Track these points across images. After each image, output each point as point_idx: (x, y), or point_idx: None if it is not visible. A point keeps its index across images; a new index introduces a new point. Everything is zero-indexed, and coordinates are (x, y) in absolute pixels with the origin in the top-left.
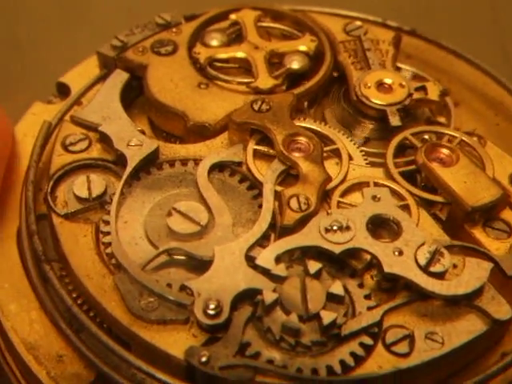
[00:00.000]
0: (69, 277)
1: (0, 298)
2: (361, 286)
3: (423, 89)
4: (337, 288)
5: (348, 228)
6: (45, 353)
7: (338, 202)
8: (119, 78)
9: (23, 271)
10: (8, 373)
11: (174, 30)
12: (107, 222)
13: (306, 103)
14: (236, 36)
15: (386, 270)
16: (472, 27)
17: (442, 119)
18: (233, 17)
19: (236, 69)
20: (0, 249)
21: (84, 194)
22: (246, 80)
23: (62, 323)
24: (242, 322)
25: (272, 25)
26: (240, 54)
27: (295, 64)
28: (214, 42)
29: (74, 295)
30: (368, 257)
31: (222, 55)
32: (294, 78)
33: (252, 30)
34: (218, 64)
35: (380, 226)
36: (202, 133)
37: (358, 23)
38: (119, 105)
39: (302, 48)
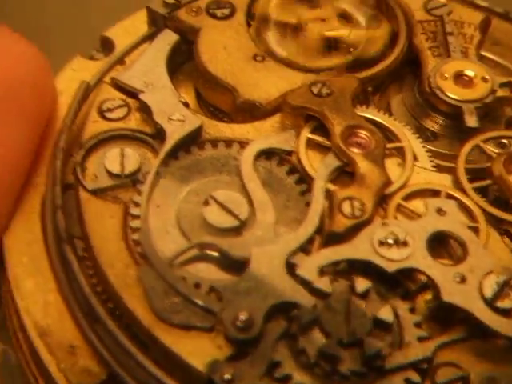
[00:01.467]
0: (90, 260)
1: (17, 273)
2: (412, 310)
3: (510, 85)
4: (386, 313)
5: (405, 243)
6: (57, 341)
7: (399, 204)
8: (167, 39)
9: (44, 247)
10: (19, 354)
11: None
12: (138, 204)
13: (370, 89)
14: None
15: (445, 298)
16: None
17: None
18: None
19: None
20: (23, 218)
21: (116, 169)
22: None
23: (78, 311)
24: (273, 339)
25: None
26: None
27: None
28: None
29: (94, 281)
30: (424, 277)
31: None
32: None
33: None
34: None
35: (441, 244)
36: (252, 112)
37: (442, 0)
38: (164, 71)
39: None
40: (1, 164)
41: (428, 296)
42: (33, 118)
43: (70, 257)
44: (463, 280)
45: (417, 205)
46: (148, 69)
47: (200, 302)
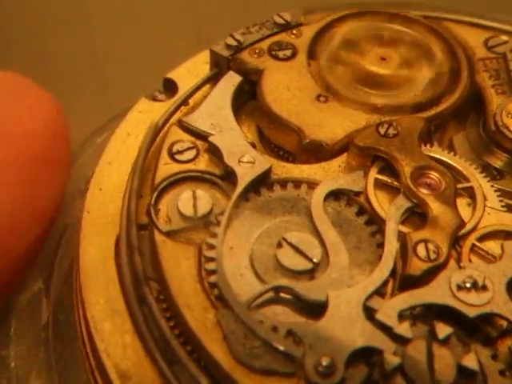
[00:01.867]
0: (167, 302)
1: (95, 315)
2: (495, 357)
3: None
4: (471, 361)
5: (484, 288)
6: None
7: (473, 245)
8: (232, 80)
9: (119, 287)
10: None
11: (293, 31)
12: (212, 246)
13: (432, 127)
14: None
15: None
16: None
17: None
18: None
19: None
20: (99, 259)
21: (189, 211)
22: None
23: (157, 353)
24: None
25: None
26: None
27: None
28: None
29: (171, 324)
30: (504, 322)
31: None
32: None
33: None
34: None
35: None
36: (317, 152)
37: (504, 38)
38: (231, 112)
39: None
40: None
41: (510, 342)
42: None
43: (150, 299)
44: None
45: (490, 247)
46: (214, 110)
47: (281, 347)
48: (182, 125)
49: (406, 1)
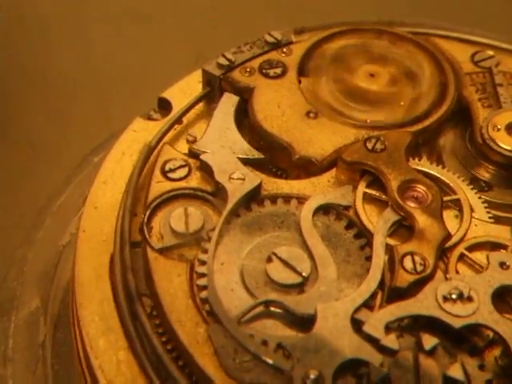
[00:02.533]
0: (160, 318)
1: (90, 332)
2: (481, 367)
3: None
4: (456, 371)
5: (470, 299)
6: None
7: (462, 254)
8: (230, 102)
9: (114, 305)
10: None
11: (284, 49)
12: (203, 262)
13: (420, 141)
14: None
15: None
16: None
17: None
18: None
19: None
20: (94, 276)
21: (181, 228)
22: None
23: (150, 369)
24: None
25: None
26: None
27: None
28: None
29: (164, 339)
30: (490, 333)
31: None
32: None
33: None
34: None
35: (502, 298)
36: (307, 168)
37: (490, 53)
38: (236, 132)
39: None
40: None
41: (496, 352)
42: None
43: (142, 317)
44: None
45: (477, 258)
46: (220, 133)
47: (270, 361)
48: (192, 153)
49: (393, 20)
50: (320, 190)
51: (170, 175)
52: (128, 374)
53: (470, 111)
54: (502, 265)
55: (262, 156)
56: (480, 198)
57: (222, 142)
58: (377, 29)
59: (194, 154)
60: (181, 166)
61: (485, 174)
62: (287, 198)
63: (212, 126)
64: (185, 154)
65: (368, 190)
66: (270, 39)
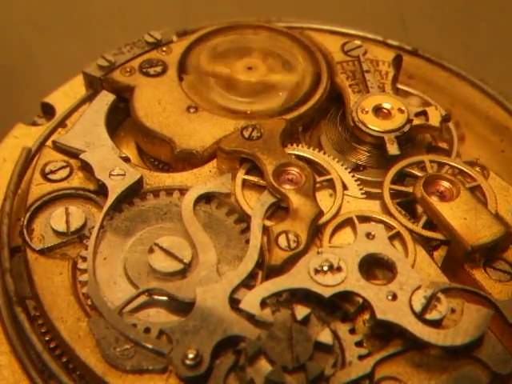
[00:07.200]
0: (42, 318)
1: None
2: (352, 331)
3: (424, 114)
4: (325, 337)
5: (339, 269)
6: None
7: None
8: (105, 100)
9: None
10: None
11: (164, 48)
12: (85, 259)
13: (300, 127)
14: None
15: (379, 316)
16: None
17: (444, 145)
18: None
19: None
20: None
21: (62, 227)
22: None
23: (33, 371)
24: (223, 372)
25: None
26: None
27: None
28: None
29: (47, 338)
30: (360, 299)
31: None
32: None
33: None
34: None
35: (375, 265)
36: (190, 160)
37: (357, 42)
38: (104, 130)
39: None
40: None
41: (367, 316)
42: None
43: (21, 317)
44: (394, 297)
45: (350, 231)
46: (88, 129)
47: (150, 346)
48: (56, 146)
49: (271, 19)
50: (202, 180)
51: (51, 177)
52: (11, 378)
53: (343, 97)
54: (368, 235)
55: (124, 154)
56: (353, 176)
57: (86, 138)
58: (254, 25)
59: (73, 154)
60: (62, 167)
61: (357, 156)
62: (169, 191)
63: (80, 122)
64: (66, 155)
65: (247, 177)
66: (149, 39)
